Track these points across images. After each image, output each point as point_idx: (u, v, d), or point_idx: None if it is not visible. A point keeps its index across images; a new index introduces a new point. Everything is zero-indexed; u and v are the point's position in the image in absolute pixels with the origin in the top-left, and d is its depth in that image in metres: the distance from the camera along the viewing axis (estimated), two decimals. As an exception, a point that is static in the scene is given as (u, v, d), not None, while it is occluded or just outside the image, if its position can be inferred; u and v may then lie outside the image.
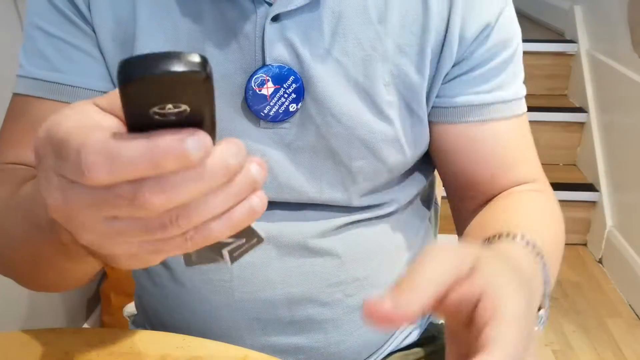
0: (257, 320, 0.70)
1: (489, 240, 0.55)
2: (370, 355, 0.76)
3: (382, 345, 0.76)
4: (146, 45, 0.64)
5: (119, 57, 0.65)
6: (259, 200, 0.34)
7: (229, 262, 0.39)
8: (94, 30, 0.64)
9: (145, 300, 0.78)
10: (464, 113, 0.68)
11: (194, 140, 0.30)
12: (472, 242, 0.62)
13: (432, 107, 0.69)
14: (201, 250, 0.37)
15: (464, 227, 0.74)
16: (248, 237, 0.38)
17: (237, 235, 0.38)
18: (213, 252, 0.39)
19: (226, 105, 0.65)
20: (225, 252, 0.39)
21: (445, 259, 0.39)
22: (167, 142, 0.30)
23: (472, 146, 0.69)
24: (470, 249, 0.42)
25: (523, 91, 0.71)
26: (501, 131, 0.69)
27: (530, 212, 0.66)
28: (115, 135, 0.31)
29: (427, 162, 0.75)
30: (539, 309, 0.51)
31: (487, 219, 0.67)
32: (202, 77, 0.29)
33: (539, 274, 0.52)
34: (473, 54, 0.66)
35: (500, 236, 0.54)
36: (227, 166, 0.32)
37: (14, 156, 0.66)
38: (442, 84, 0.67)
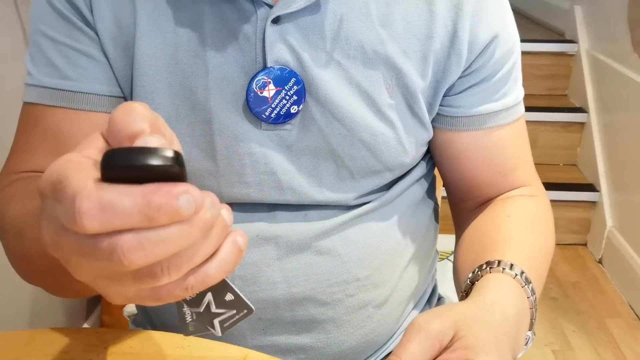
0: (259, 320, 0.70)
1: (481, 268, 0.61)
2: (372, 354, 0.76)
3: (383, 345, 0.77)
4: (146, 49, 0.64)
5: (122, 61, 0.65)
6: (242, 239, 0.36)
7: (220, 332, 0.41)
8: (97, 34, 0.64)
9: None
10: (475, 122, 0.70)
11: (187, 199, 0.31)
12: (463, 266, 0.69)
13: (442, 116, 0.70)
14: (196, 321, 0.40)
15: (461, 227, 0.77)
16: (238, 308, 0.41)
17: (228, 307, 0.40)
18: (206, 322, 0.41)
19: (227, 108, 0.64)
20: (216, 322, 0.41)
21: (427, 338, 0.48)
22: (161, 198, 0.31)
23: (476, 152, 0.71)
24: (452, 315, 0.51)
25: (522, 93, 0.73)
26: (504, 136, 0.71)
27: (524, 228, 0.69)
28: (111, 186, 0.31)
29: (428, 163, 0.76)
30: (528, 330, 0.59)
31: (482, 236, 0.70)
32: (175, 170, 0.32)
33: (526, 304, 0.59)
34: (484, 66, 0.67)
35: (491, 266, 0.61)
36: (205, 221, 0.33)
37: (33, 164, 0.66)
38: (452, 94, 0.68)
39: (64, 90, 0.65)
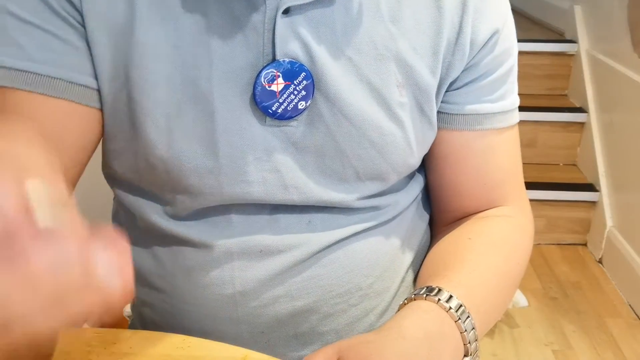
0: (261, 333, 0.69)
1: (418, 293, 0.60)
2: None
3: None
4: (145, 39, 0.61)
5: (115, 50, 0.62)
6: None
7: None
8: (82, 18, 0.61)
9: (146, 313, 0.76)
10: (469, 121, 0.69)
11: None
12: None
13: (438, 112, 0.69)
14: None
15: (433, 242, 0.76)
16: None
17: None
18: None
19: (231, 101, 0.62)
20: None
21: None
22: None
23: (465, 155, 0.70)
24: (334, 346, 0.53)
25: (518, 101, 0.72)
26: (495, 144, 0.70)
27: (482, 251, 0.68)
28: None
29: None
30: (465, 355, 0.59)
31: (438, 257, 0.70)
32: None
33: (452, 331, 0.58)
34: (482, 60, 0.67)
35: (428, 294, 0.59)
36: None
37: None
38: (450, 90, 0.68)
39: (27, 71, 0.60)
